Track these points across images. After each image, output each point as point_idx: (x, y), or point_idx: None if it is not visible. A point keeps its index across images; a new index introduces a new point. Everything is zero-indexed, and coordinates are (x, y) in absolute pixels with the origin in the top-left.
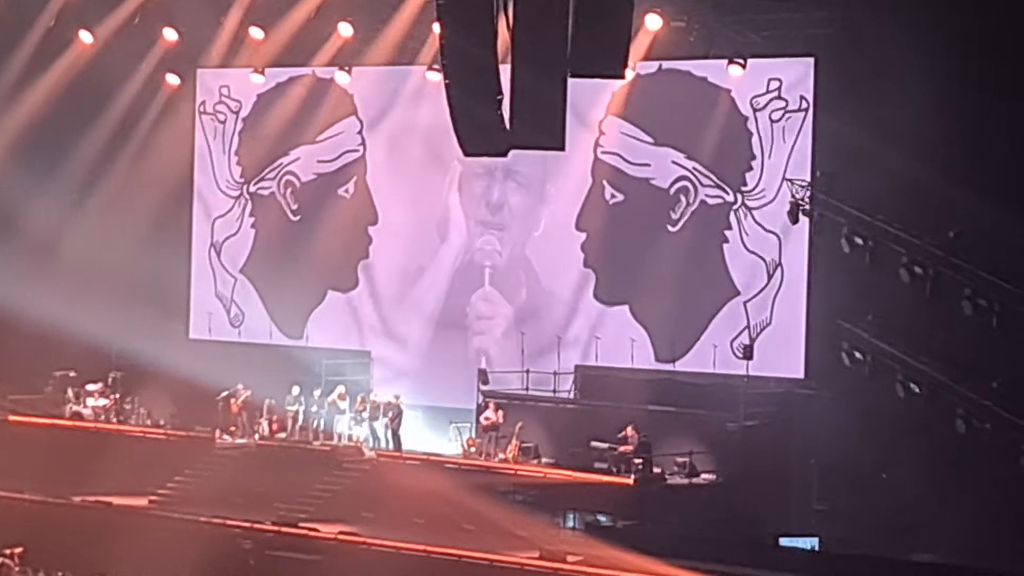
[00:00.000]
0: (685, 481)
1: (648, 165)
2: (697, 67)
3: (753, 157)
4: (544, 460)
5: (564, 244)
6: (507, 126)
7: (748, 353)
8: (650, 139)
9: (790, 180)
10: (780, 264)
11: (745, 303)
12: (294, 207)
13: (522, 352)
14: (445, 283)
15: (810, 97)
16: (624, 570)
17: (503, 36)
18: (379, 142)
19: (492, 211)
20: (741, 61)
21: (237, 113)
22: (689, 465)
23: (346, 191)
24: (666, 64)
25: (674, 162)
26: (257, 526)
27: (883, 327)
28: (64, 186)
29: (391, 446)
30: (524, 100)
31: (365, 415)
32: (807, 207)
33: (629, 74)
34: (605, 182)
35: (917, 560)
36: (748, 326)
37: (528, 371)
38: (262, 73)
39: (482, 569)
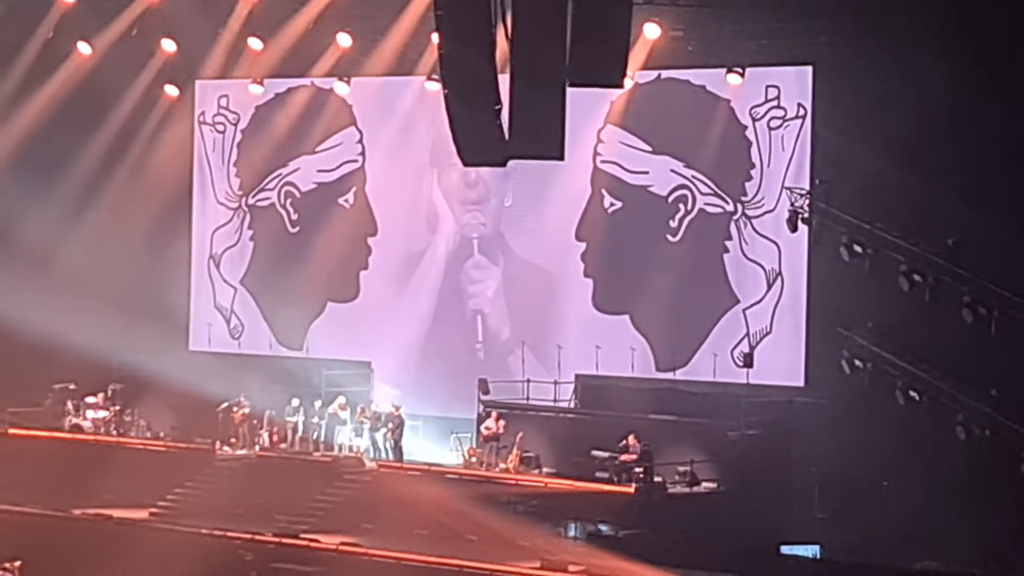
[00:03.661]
0: (686, 490)
1: (647, 173)
2: (696, 76)
3: (752, 166)
4: (545, 470)
5: (564, 254)
6: (506, 136)
7: (748, 362)
8: (649, 148)
9: (789, 188)
10: (780, 273)
11: (745, 312)
12: (293, 218)
13: (522, 362)
14: (442, 264)
15: (808, 105)
16: None
17: (502, 46)
18: (378, 152)
19: (470, 187)
20: (739, 70)
21: (236, 124)
22: (690, 474)
23: (346, 201)
24: (665, 73)
25: (673, 170)
26: (258, 538)
27: (883, 335)
28: (63, 198)
29: (392, 456)
30: (523, 110)
31: (366, 425)
32: (806, 215)
33: (628, 83)
34: (604, 191)
35: (919, 568)
36: (748, 335)
37: (529, 381)
38: (261, 84)
39: None
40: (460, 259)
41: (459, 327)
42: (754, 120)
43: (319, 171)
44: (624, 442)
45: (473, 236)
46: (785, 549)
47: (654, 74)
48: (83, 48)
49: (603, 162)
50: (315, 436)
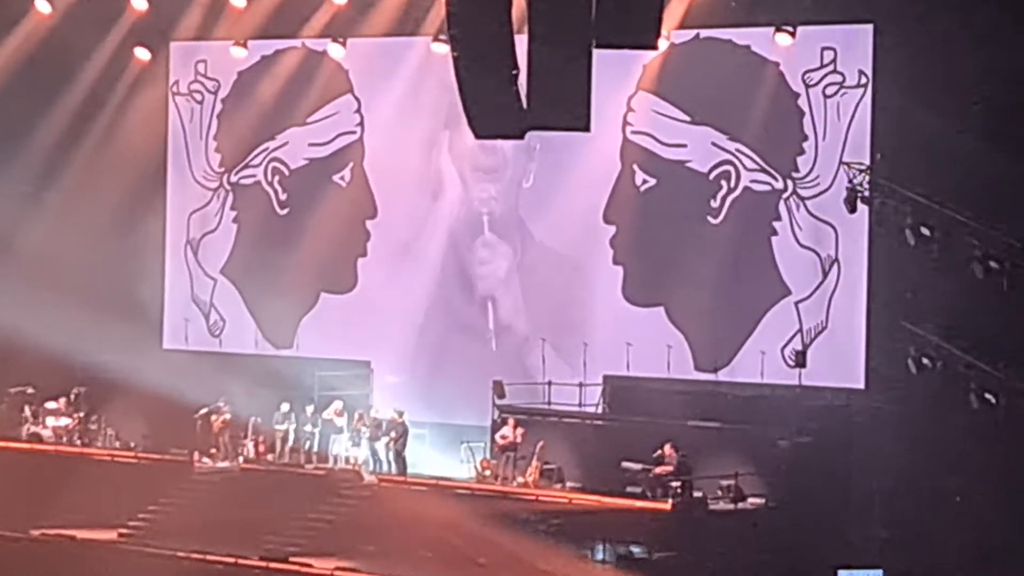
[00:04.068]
0: (730, 506)
1: (684, 146)
2: (740, 35)
3: (805, 138)
4: (569, 484)
5: (590, 238)
6: (524, 105)
7: (801, 360)
8: (686, 117)
9: (847, 164)
10: (836, 259)
11: (797, 304)
12: (282, 198)
13: (543, 361)
14: (444, 239)
15: (869, 70)
16: None
17: (519, 2)
18: (378, 123)
19: (486, 153)
20: (790, 29)
21: (215, 92)
22: (734, 488)
23: (341, 179)
24: (704, 32)
25: (714, 144)
26: (242, 562)
27: (954, 329)
28: (20, 176)
29: (394, 469)
30: (543, 75)
31: (364, 434)
32: (866, 194)
33: (662, 44)
34: (635, 166)
35: None
36: (800, 330)
37: (550, 383)
38: (244, 46)
39: None
40: (468, 238)
41: (468, 317)
42: (807, 86)
43: (311, 145)
44: (659, 452)
45: (483, 211)
46: (843, 573)
47: (692, 33)
48: (42, 6)
49: (634, 133)
50: (307, 446)
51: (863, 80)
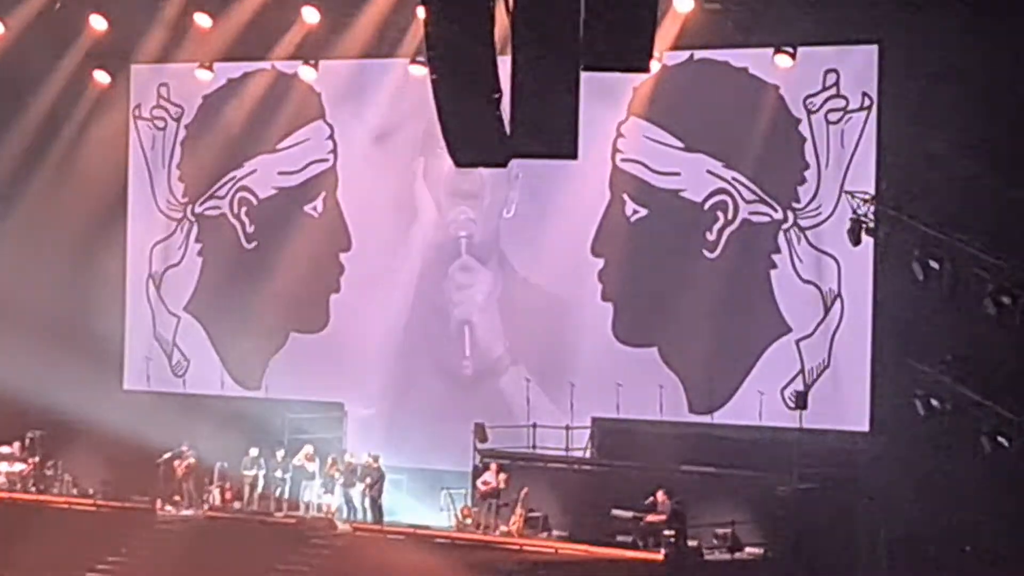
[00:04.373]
0: (726, 556)
1: (678, 175)
2: (737, 57)
3: (806, 166)
4: (555, 533)
5: (577, 273)
6: (507, 131)
7: (802, 402)
8: (680, 144)
9: (851, 193)
10: (839, 294)
11: (798, 342)
12: (249, 230)
13: (527, 403)
14: (418, 265)
15: (874, 93)
16: None
17: (502, 22)
18: (353, 150)
19: (463, 175)
20: (790, 50)
21: (179, 119)
22: (731, 537)
23: (313, 209)
24: (699, 54)
25: (709, 172)
26: None
27: (965, 369)
28: None
29: (369, 517)
30: (528, 99)
31: (338, 480)
32: (871, 225)
33: (654, 66)
34: (626, 196)
35: None
36: (801, 369)
37: (535, 425)
38: (210, 69)
39: None
40: (444, 264)
41: (446, 355)
42: (808, 112)
43: (281, 173)
44: (651, 499)
45: (461, 234)
46: None
47: (686, 54)
48: None
49: (624, 161)
50: (277, 493)
51: (867, 103)
